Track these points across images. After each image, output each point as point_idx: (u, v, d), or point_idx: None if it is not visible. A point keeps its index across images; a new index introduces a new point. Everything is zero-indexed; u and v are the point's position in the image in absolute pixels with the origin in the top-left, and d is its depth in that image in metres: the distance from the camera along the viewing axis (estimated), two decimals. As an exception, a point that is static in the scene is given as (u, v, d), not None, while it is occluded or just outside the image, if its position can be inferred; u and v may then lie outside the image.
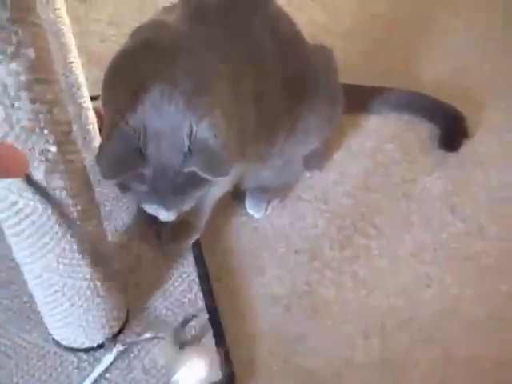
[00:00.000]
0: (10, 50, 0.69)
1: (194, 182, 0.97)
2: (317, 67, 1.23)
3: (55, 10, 1.15)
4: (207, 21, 1.07)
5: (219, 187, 1.19)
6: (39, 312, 1.07)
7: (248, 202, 1.34)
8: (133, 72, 0.97)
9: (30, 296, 1.06)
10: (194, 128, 0.93)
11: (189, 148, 0.93)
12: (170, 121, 0.93)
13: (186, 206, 1.04)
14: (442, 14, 1.82)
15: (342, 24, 1.76)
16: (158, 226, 1.23)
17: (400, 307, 1.21)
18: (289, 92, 1.16)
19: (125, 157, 0.93)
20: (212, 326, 1.13)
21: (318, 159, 1.38)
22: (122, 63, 1.00)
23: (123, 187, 1.00)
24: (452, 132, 1.50)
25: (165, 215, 1.04)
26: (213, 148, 0.93)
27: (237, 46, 1.06)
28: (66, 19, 1.20)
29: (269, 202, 1.33)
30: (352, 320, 1.19)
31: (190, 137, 0.93)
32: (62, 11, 1.16)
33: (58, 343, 1.10)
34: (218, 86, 0.99)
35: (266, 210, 1.33)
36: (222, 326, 1.14)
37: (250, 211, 1.34)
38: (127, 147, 0.92)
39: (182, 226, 1.23)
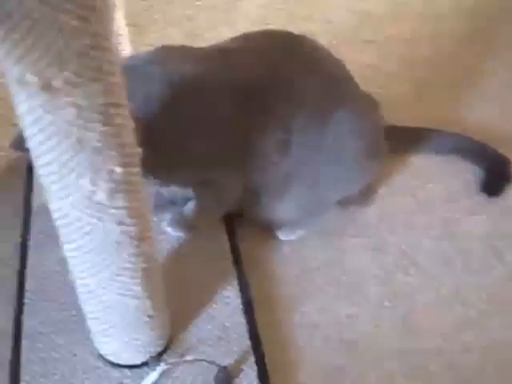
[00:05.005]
0: (89, 74, 0.73)
1: None
2: (359, 116, 1.27)
3: (118, 36, 1.20)
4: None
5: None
6: (86, 326, 1.10)
7: (276, 225, 1.36)
8: None
9: (78, 309, 1.09)
10: None
11: None
12: None
13: None
14: (480, 57, 1.84)
15: (388, 65, 1.79)
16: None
17: (442, 349, 1.21)
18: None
19: None
20: (254, 353, 1.15)
21: (360, 196, 1.40)
22: None
23: None
24: (495, 175, 1.51)
25: None
26: None
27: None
28: (127, 45, 1.25)
29: (297, 229, 1.36)
30: (392, 358, 1.19)
31: None
32: (124, 38, 1.22)
33: (103, 358, 1.13)
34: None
35: (294, 234, 1.35)
36: (263, 353, 1.16)
37: (278, 234, 1.35)
38: None
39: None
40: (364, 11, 2.01)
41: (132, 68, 1.10)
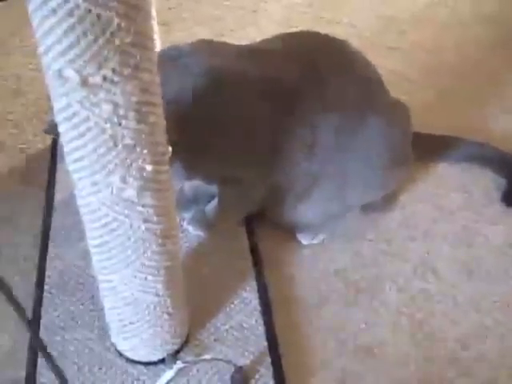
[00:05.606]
0: (127, 72, 0.74)
1: None
2: (389, 122, 1.27)
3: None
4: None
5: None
6: (104, 321, 1.11)
7: (298, 227, 1.36)
8: None
9: (96, 305, 1.10)
10: None
11: None
12: None
13: None
14: (505, 65, 1.84)
15: (412, 71, 1.79)
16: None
17: (458, 356, 1.21)
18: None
19: None
20: (270, 354, 1.15)
21: (382, 202, 1.40)
22: None
23: None
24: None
25: None
26: None
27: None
28: (158, 43, 1.25)
29: (319, 233, 1.36)
30: (408, 364, 1.19)
31: None
32: (157, 36, 1.22)
33: (120, 354, 1.13)
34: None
35: (315, 238, 1.35)
36: (280, 354, 1.16)
37: (300, 237, 1.36)
38: None
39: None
40: (388, 16, 2.02)
41: (169, 58, 1.11)
